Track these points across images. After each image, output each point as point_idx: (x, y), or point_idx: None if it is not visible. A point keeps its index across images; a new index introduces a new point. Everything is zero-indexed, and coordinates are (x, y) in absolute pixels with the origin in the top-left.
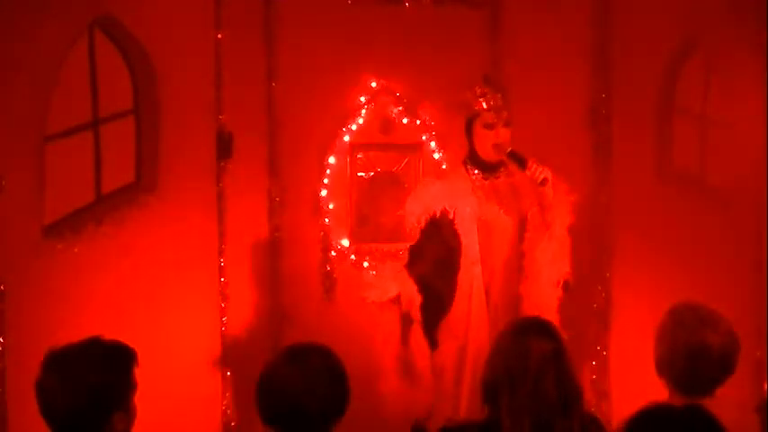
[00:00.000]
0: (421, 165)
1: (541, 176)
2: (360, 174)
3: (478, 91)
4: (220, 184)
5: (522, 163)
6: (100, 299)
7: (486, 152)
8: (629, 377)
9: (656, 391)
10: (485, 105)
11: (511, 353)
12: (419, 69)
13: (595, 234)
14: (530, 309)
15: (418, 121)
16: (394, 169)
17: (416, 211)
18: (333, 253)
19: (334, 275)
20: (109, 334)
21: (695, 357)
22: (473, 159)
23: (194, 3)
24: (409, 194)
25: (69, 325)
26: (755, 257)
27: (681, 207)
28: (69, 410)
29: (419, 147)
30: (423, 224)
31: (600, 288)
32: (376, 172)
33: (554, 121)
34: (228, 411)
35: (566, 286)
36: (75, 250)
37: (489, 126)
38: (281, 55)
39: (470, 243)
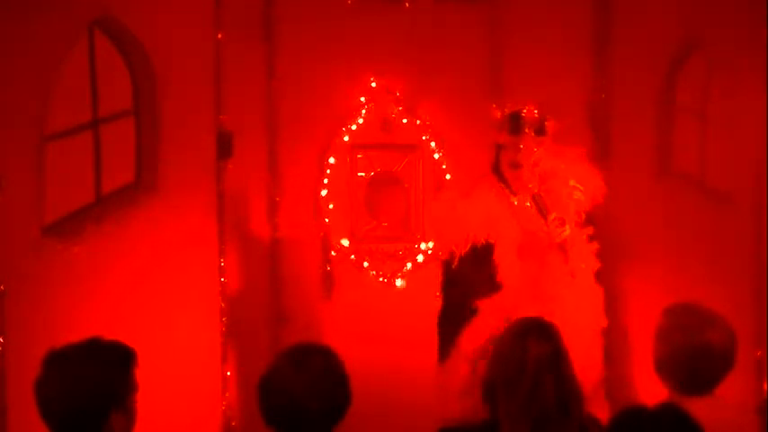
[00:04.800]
0: (421, 165)
1: (561, 236)
2: (360, 174)
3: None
4: (220, 184)
5: (543, 213)
6: (100, 299)
7: (504, 168)
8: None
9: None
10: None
11: (509, 354)
12: (419, 69)
13: (595, 234)
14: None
15: (418, 121)
16: (394, 169)
17: (455, 237)
18: (333, 253)
19: (334, 275)
20: (109, 334)
21: (698, 357)
22: (499, 174)
23: (194, 3)
24: (438, 208)
25: (69, 325)
26: (755, 257)
27: (681, 207)
28: (68, 411)
29: (419, 147)
30: (463, 251)
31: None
32: (376, 172)
33: None
34: (228, 411)
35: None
36: (75, 250)
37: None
38: (280, 55)
39: (509, 273)
